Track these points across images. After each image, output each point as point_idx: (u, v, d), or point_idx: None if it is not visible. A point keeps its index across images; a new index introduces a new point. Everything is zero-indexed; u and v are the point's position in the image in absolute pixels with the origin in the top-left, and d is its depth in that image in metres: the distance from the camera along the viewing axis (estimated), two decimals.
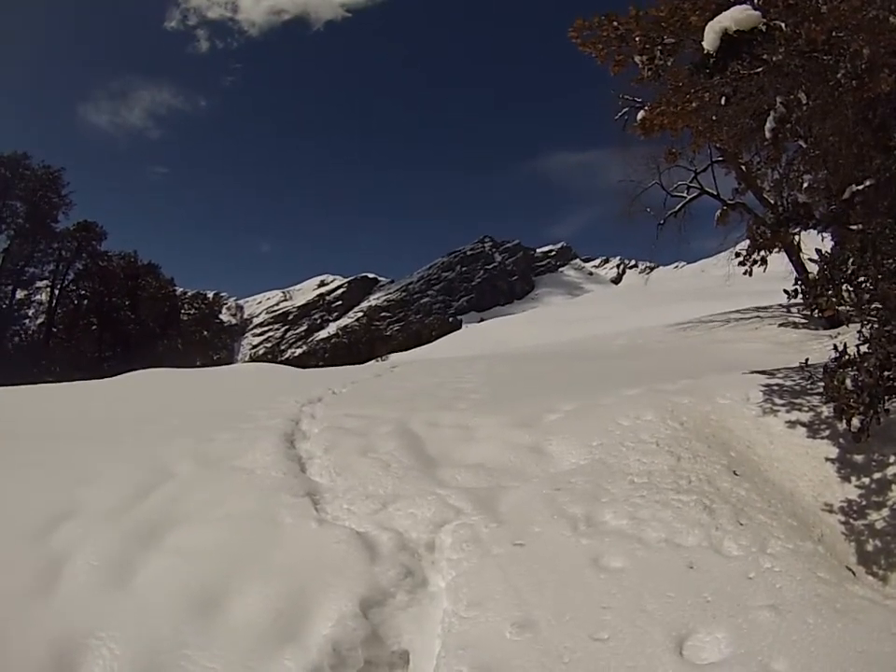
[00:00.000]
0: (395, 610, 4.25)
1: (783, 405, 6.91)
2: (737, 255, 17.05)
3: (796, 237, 15.15)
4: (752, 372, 8.23)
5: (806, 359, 6.65)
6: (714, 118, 7.16)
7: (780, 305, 19.88)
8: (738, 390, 7.43)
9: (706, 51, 5.30)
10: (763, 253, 15.55)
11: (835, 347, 5.54)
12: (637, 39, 6.48)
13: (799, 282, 6.96)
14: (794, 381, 7.62)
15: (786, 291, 6.55)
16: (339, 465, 6.64)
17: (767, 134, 6.00)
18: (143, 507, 5.62)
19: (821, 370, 5.84)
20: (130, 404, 12.35)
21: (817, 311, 6.81)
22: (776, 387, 7.43)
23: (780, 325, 16.52)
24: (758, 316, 18.69)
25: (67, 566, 4.60)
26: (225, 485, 6.11)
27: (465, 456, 6.70)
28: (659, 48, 6.31)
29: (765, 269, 16.70)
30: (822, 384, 5.71)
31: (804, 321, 16.76)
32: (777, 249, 16.45)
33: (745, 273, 16.84)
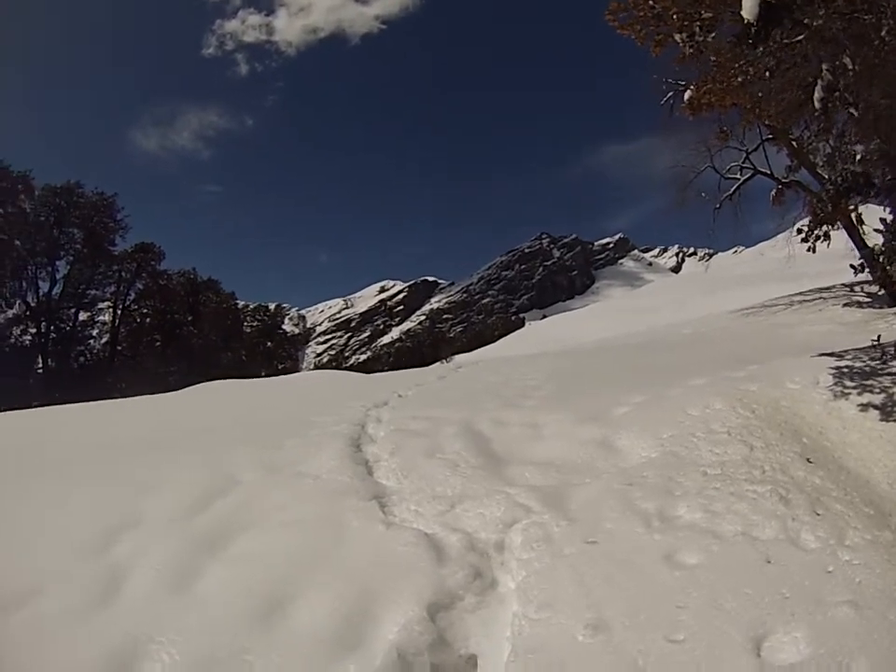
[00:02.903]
0: (463, 613, 4.15)
1: (854, 388, 6.72)
2: (799, 231, 16.79)
3: (856, 210, 14.80)
4: (820, 355, 8.06)
5: (878, 337, 6.46)
6: (760, 93, 7.10)
7: (843, 285, 19.58)
8: (808, 374, 7.27)
9: (746, 21, 5.18)
10: (825, 228, 15.19)
11: None
12: (674, 17, 6.38)
13: (864, 256, 6.79)
14: (864, 362, 7.46)
15: (852, 266, 6.41)
16: (405, 467, 6.62)
17: (816, 105, 5.88)
18: (207, 515, 5.65)
19: (893, 349, 5.66)
20: (194, 415, 12.60)
21: (884, 284, 6.63)
22: (845, 370, 7.25)
23: (844, 305, 16.08)
24: (821, 297, 18.25)
25: (129, 575, 4.63)
26: (290, 491, 6.08)
27: (533, 454, 6.62)
28: (697, 24, 6.21)
29: (829, 244, 16.37)
30: (894, 363, 5.53)
31: (867, 300, 16.27)
32: (838, 224, 16.09)
33: (808, 250, 16.57)
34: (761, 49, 5.55)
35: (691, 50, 6.36)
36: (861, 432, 5.97)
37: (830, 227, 14.03)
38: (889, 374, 6.77)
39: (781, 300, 20.52)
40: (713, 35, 6.27)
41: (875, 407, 6.27)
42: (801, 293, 20.62)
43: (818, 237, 15.67)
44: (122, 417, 13.16)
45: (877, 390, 6.55)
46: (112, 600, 4.34)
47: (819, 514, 4.58)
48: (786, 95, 6.84)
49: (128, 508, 5.83)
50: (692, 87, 7.57)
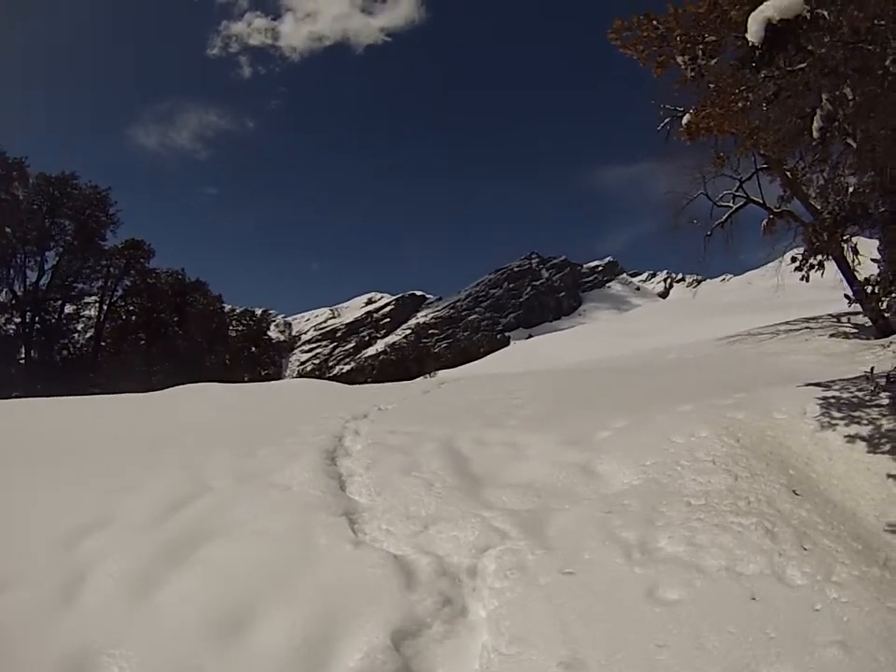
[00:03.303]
0: (430, 642, 3.94)
1: (841, 418, 6.58)
2: (793, 259, 16.85)
3: (848, 242, 14.90)
4: (807, 385, 7.94)
5: (871, 368, 6.36)
6: (758, 121, 7.00)
7: (830, 315, 19.65)
8: (794, 404, 7.13)
9: (750, 44, 5.10)
10: (819, 257, 15.20)
11: None
12: (678, 39, 6.32)
13: (855, 291, 6.72)
14: (851, 393, 7.31)
15: (847, 297, 6.34)
16: (379, 483, 6.47)
17: (815, 134, 5.80)
18: (176, 520, 5.58)
19: (883, 380, 5.58)
20: (174, 417, 12.52)
21: (875, 316, 6.55)
22: (832, 400, 7.12)
23: (830, 335, 16.11)
24: (807, 328, 18.30)
25: (91, 577, 4.58)
26: (260, 502, 5.97)
27: (512, 476, 6.45)
28: (700, 46, 6.15)
29: (822, 273, 16.42)
30: (883, 395, 5.43)
31: (854, 331, 16.33)
32: (830, 254, 16.19)
33: (802, 279, 16.61)
34: (763, 74, 5.47)
35: (692, 74, 6.28)
36: (848, 464, 5.83)
37: (824, 256, 14.02)
38: (877, 406, 6.63)
39: (767, 328, 20.48)
40: (715, 60, 6.20)
41: (863, 438, 6.13)
42: (787, 322, 20.64)
43: (812, 266, 15.67)
44: (103, 415, 13.14)
45: (865, 421, 6.41)
46: (72, 603, 4.26)
47: (805, 549, 4.42)
48: (784, 124, 6.77)
49: (99, 508, 5.83)
50: (690, 111, 7.49)
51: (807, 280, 16.34)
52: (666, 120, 17.42)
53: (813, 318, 20.21)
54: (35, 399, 16.03)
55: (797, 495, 5.28)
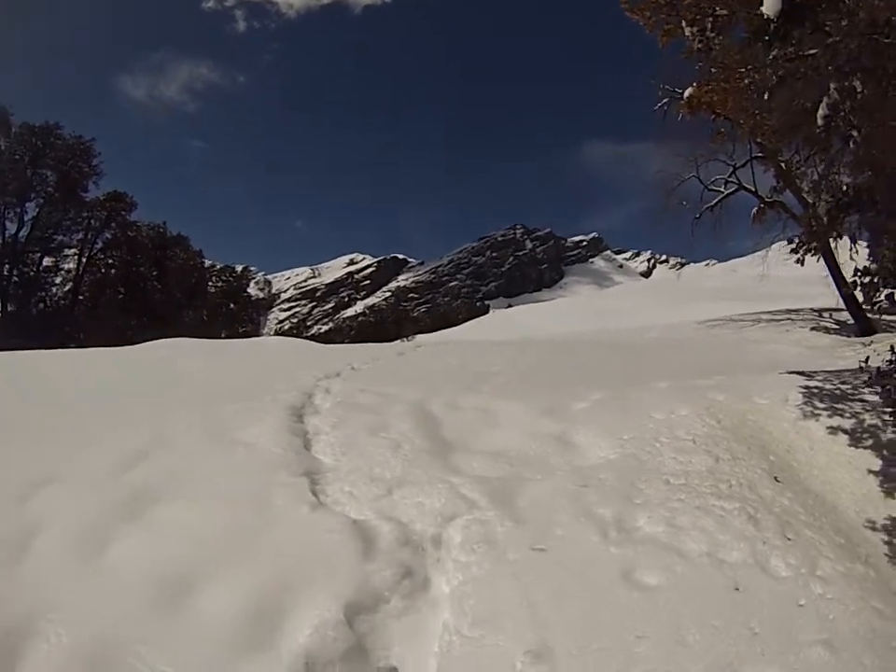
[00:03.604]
0: (387, 618, 3.66)
1: (824, 409, 6.40)
2: (790, 241, 16.79)
3: (841, 233, 14.91)
4: (790, 373, 7.82)
5: (867, 358, 6.14)
6: (759, 110, 7.04)
7: (812, 309, 19.80)
8: (777, 391, 6.96)
9: (765, 17, 4.87)
10: (816, 244, 15.10)
11: (893, 349, 5.34)
12: (687, 8, 6.05)
13: (859, 274, 6.50)
14: (834, 385, 7.15)
15: (848, 284, 6.21)
16: (345, 443, 6.22)
17: (819, 122, 5.63)
18: (133, 477, 5.31)
19: (868, 375, 5.44)
20: (146, 372, 12.10)
21: (862, 313, 6.37)
22: (815, 390, 6.94)
23: (812, 329, 16.27)
24: (789, 319, 18.44)
25: (41, 536, 4.31)
26: (222, 459, 5.77)
27: (484, 443, 6.21)
28: (710, 19, 5.91)
29: (818, 259, 16.37)
30: (867, 390, 5.29)
31: (835, 326, 16.53)
32: (830, 238, 16.21)
33: (797, 262, 16.55)
34: (774, 52, 5.25)
35: (699, 45, 6.07)
36: (829, 455, 5.65)
37: (826, 239, 13.90)
38: (861, 400, 6.43)
39: (749, 316, 20.51)
40: (723, 37, 5.98)
41: (845, 431, 5.95)
42: (770, 312, 20.66)
43: (808, 250, 15.57)
44: (73, 369, 12.64)
45: (848, 415, 6.22)
46: (20, 563, 4.00)
47: (789, 539, 4.22)
48: (788, 109, 6.55)
49: (56, 464, 5.57)
50: (693, 85, 7.25)
51: (802, 264, 16.34)
52: (665, 101, 17.82)
53: (795, 311, 20.26)
54: (5, 353, 15.60)
55: (778, 482, 5.12)
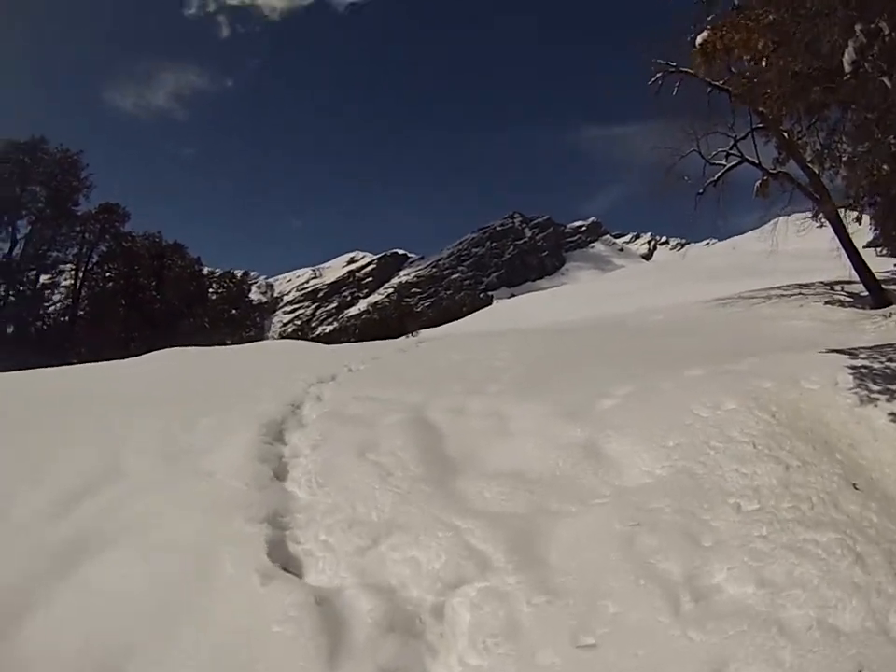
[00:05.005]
0: None
1: (879, 392, 5.45)
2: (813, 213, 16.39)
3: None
4: (830, 352, 6.89)
5: None
6: (794, 32, 6.14)
7: (822, 283, 19.11)
8: (823, 373, 5.95)
9: None
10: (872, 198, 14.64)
11: None
12: None
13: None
14: (882, 363, 6.26)
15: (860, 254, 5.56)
16: (325, 470, 5.14)
17: (846, 68, 5.26)
18: (73, 517, 4.59)
19: None
20: (125, 385, 11.44)
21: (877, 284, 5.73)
22: (864, 370, 5.99)
23: (826, 303, 15.47)
24: (800, 293, 17.62)
25: None
26: (174, 494, 4.87)
27: (497, 460, 5.07)
28: None
29: (861, 221, 15.92)
30: None
31: (849, 299, 15.85)
32: (822, 221, 15.87)
33: (818, 227, 15.96)
34: None
35: None
36: None
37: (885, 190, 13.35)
38: None
39: (759, 292, 19.65)
40: None
41: None
42: (779, 287, 19.95)
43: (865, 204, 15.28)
44: (45, 388, 11.84)
45: None
46: None
47: None
48: (816, 45, 5.78)
49: None
50: (707, 29, 6.57)
51: (822, 226, 15.96)
52: (658, 75, 17.85)
53: (805, 285, 19.50)
54: None
55: (857, 489, 4.08)
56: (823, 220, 17.20)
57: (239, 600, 3.37)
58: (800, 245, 16.20)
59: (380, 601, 3.29)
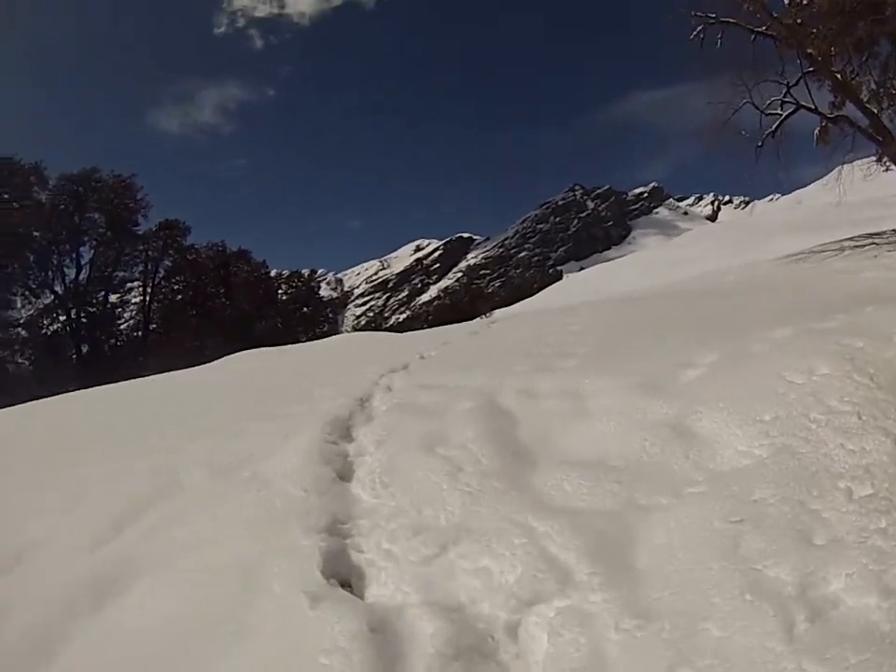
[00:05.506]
0: None
1: None
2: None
3: None
4: None
5: None
6: None
7: (894, 231, 18.01)
8: None
9: None
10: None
11: None
12: None
13: None
14: None
15: None
16: (390, 468, 4.72)
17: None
18: (115, 543, 4.33)
19: None
20: (188, 394, 11.66)
21: None
22: None
23: None
24: (873, 244, 16.34)
25: None
26: (225, 509, 4.51)
27: (575, 444, 4.52)
28: None
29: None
30: None
31: None
32: (889, 166, 15.52)
33: (885, 170, 15.38)
34: None
35: None
36: None
37: None
38: None
39: (829, 245, 18.51)
40: None
41: None
42: (850, 239, 18.74)
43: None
44: (109, 403, 12.28)
45: None
46: None
47: None
48: None
49: (41, 526, 4.88)
50: None
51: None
52: (699, 28, 17.59)
53: (876, 234, 18.25)
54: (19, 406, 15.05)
55: None
56: (889, 164, 16.66)
57: (284, 626, 2.98)
58: (867, 192, 15.38)
59: (445, 622, 2.82)
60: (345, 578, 3.40)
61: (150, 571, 3.75)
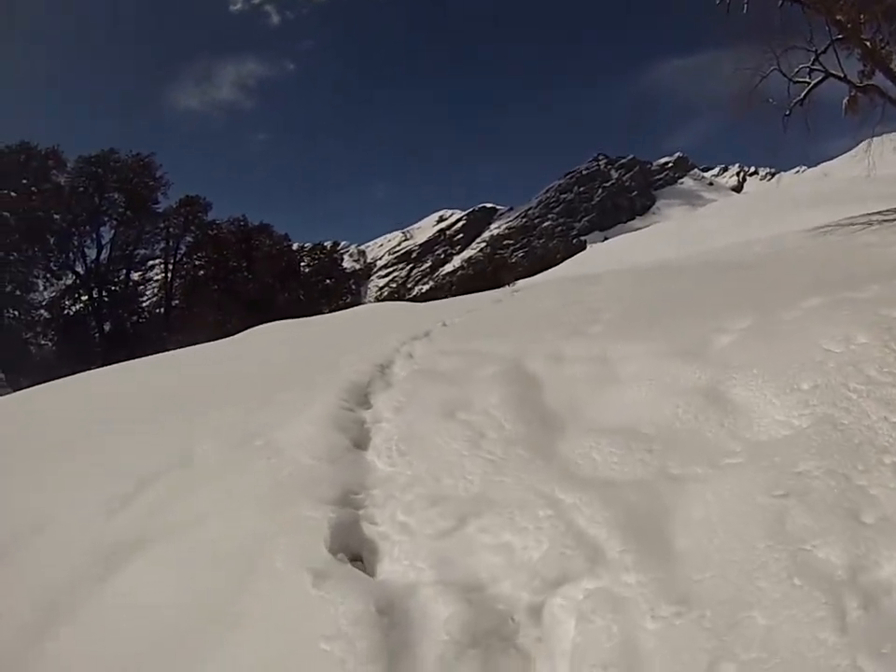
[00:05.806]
0: None
1: None
2: None
3: None
4: None
5: None
6: None
7: None
8: None
9: None
10: None
11: None
12: None
13: None
14: None
15: None
16: (408, 435, 4.52)
17: None
18: (125, 514, 4.13)
19: None
20: (212, 367, 11.23)
21: None
22: None
23: None
24: None
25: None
26: (235, 480, 4.31)
27: (604, 410, 4.31)
28: None
29: None
30: None
31: None
32: None
33: None
34: None
35: None
36: None
37: None
38: None
39: (857, 219, 18.13)
40: None
41: None
42: (879, 213, 18.25)
43: None
44: (125, 380, 11.87)
45: None
46: None
47: None
48: None
49: (56, 500, 4.67)
50: None
51: None
52: None
53: None
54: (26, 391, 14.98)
55: None
56: None
57: (284, 607, 2.75)
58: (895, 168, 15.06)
59: (461, 605, 2.57)
60: (356, 552, 3.18)
61: (157, 543, 3.60)
